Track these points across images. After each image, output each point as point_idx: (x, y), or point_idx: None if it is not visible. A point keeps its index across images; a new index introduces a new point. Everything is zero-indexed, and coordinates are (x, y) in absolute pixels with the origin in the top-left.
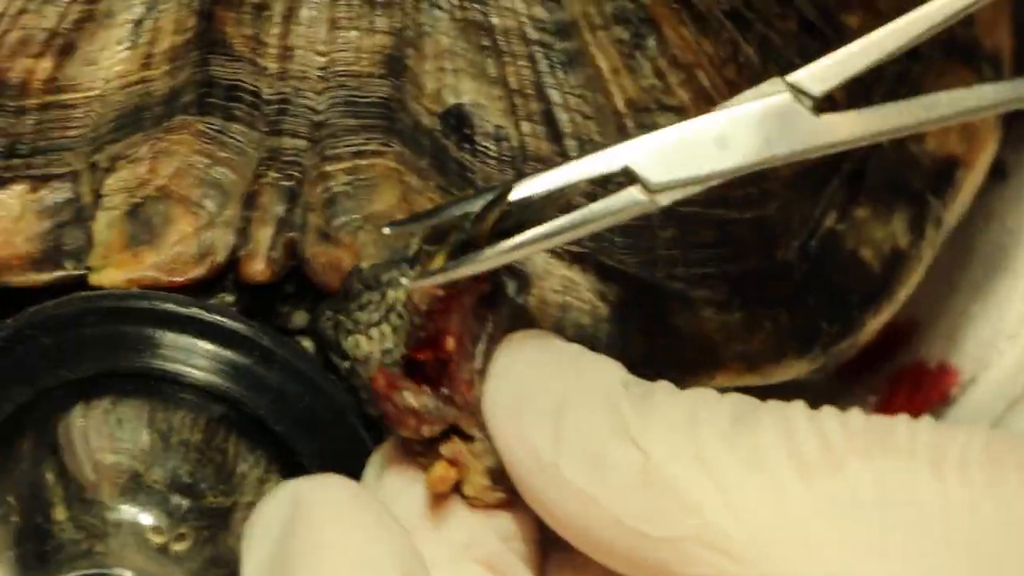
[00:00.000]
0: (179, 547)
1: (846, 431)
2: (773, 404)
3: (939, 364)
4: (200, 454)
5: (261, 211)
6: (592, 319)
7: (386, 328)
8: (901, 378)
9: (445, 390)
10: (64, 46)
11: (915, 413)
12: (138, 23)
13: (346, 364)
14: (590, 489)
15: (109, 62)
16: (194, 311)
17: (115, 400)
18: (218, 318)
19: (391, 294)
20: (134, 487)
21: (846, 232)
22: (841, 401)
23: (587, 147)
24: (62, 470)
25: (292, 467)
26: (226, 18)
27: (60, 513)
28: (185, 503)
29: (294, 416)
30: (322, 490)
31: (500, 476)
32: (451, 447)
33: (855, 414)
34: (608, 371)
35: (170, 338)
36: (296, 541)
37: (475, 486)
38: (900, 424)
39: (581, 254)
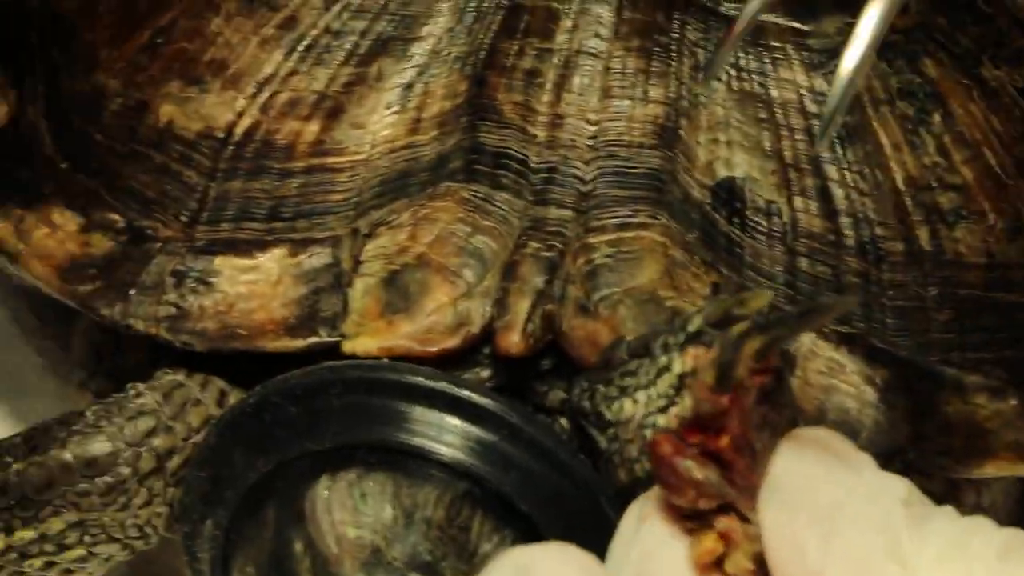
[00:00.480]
0: None
1: None
2: None
3: None
4: (442, 532)
5: (520, 282)
6: (857, 403)
7: (653, 393)
8: None
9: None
10: (332, 109)
11: None
12: (408, 87)
13: (606, 433)
14: None
15: (377, 126)
16: (443, 385)
17: (360, 474)
18: (467, 393)
19: (666, 359)
20: (374, 562)
21: None
22: None
23: (862, 226)
24: (309, 542)
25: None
26: (498, 84)
27: None
28: None
29: (540, 495)
30: (550, 560)
31: (763, 566)
32: (726, 522)
33: None
34: (890, 487)
35: (418, 412)
36: None
37: (738, 566)
38: None
39: (850, 335)
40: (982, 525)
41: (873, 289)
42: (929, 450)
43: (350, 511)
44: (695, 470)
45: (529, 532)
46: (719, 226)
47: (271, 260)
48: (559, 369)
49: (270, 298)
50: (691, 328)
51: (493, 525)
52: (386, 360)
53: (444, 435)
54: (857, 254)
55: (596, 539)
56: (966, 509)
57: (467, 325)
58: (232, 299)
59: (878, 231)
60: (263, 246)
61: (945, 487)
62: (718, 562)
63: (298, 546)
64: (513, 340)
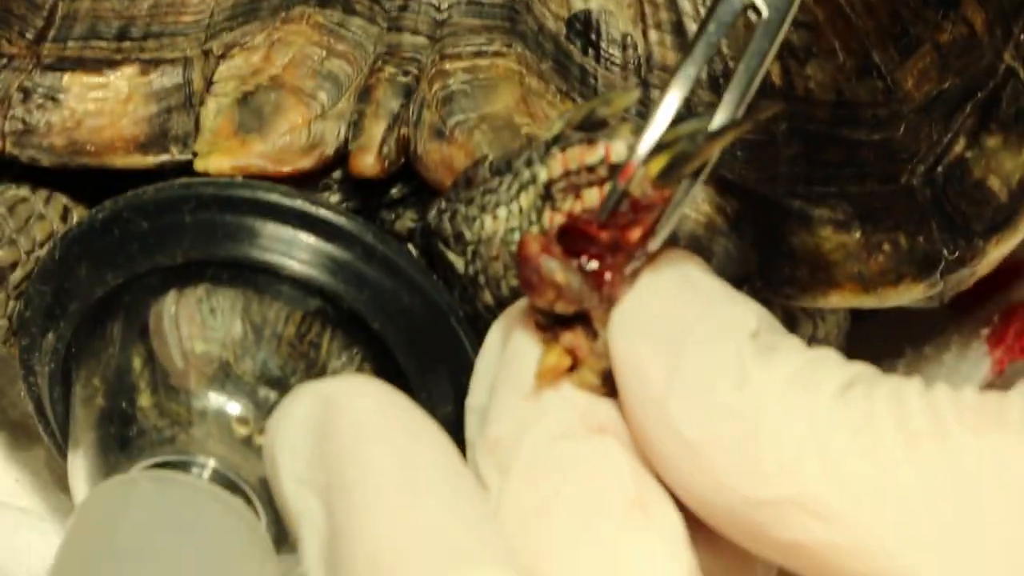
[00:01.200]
0: (262, 441)
1: (957, 405)
2: (891, 378)
3: None
4: (292, 348)
5: (375, 105)
6: (707, 231)
7: (515, 207)
8: (1014, 311)
9: (592, 272)
10: None
11: None
12: None
13: (466, 254)
14: (692, 434)
15: None
16: (297, 203)
17: (209, 289)
18: (321, 211)
19: (529, 173)
20: (222, 376)
21: (975, 160)
22: (952, 332)
23: (715, 60)
24: (150, 356)
25: (387, 367)
26: None
27: (145, 399)
28: (273, 395)
29: (392, 313)
30: (354, 391)
31: (611, 384)
32: (571, 337)
33: (968, 391)
34: (740, 316)
35: (271, 228)
36: (336, 443)
37: (585, 382)
38: (1014, 399)
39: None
40: (828, 358)
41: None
42: (775, 279)
43: (198, 325)
44: (558, 272)
45: (379, 352)
46: (574, 57)
47: (121, 78)
48: (409, 197)
49: (120, 115)
50: (551, 134)
51: (343, 343)
52: (240, 178)
53: (296, 251)
54: (710, 87)
55: (447, 359)
56: (802, 340)
57: (321, 146)
58: (80, 116)
59: (731, 65)
60: (112, 64)
61: (784, 317)
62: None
63: (138, 361)
64: (367, 161)
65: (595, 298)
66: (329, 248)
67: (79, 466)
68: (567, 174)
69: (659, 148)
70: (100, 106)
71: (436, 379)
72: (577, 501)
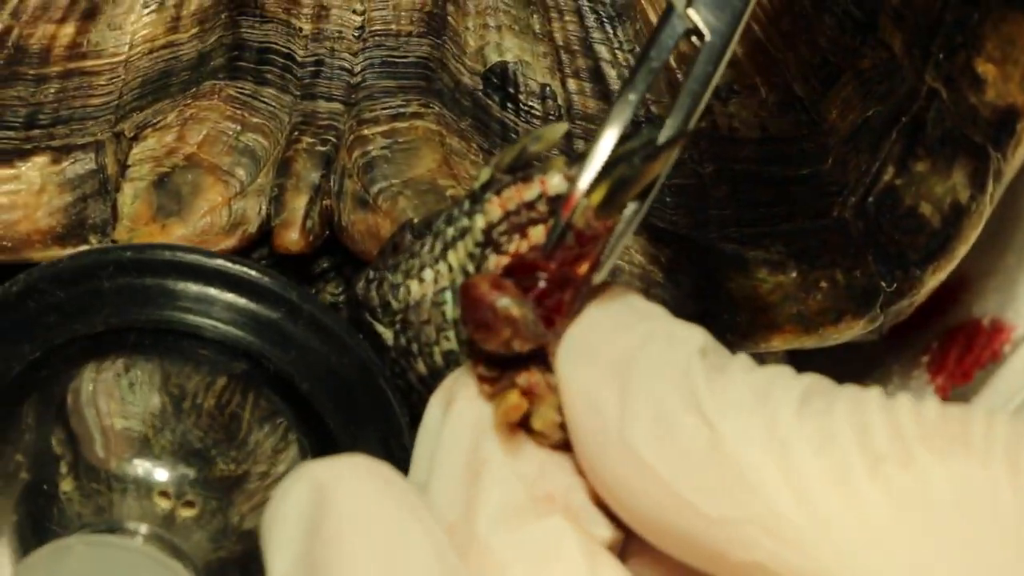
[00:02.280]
0: (186, 514)
1: (920, 423)
2: (849, 389)
3: (992, 321)
4: (212, 419)
5: (296, 178)
6: (644, 283)
7: (442, 267)
8: (953, 336)
9: (544, 308)
10: (88, 10)
11: (967, 371)
12: None
13: (394, 325)
14: (650, 456)
15: (135, 26)
16: (219, 263)
17: (128, 361)
18: (243, 270)
19: (456, 227)
20: (143, 452)
21: (905, 187)
22: (892, 363)
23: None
24: (69, 436)
25: (313, 434)
26: None
27: (67, 484)
28: (192, 471)
29: (319, 375)
30: (348, 479)
31: None
32: (527, 376)
33: (930, 404)
34: (688, 337)
35: (193, 290)
36: (324, 541)
37: (545, 420)
38: (976, 419)
39: None
40: (782, 372)
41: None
42: (715, 327)
43: (117, 401)
44: (513, 307)
45: (304, 418)
46: (492, 112)
47: (32, 169)
48: (331, 270)
49: (34, 208)
50: (480, 182)
51: (265, 412)
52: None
53: (220, 312)
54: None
55: (377, 421)
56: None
57: (243, 224)
58: None
59: (653, 109)
60: (23, 155)
61: None
62: (524, 422)
63: (56, 443)
64: (292, 237)
65: (549, 333)
66: (254, 307)
67: (3, 544)
68: (507, 216)
69: (599, 178)
70: (13, 199)
71: (366, 443)
72: None
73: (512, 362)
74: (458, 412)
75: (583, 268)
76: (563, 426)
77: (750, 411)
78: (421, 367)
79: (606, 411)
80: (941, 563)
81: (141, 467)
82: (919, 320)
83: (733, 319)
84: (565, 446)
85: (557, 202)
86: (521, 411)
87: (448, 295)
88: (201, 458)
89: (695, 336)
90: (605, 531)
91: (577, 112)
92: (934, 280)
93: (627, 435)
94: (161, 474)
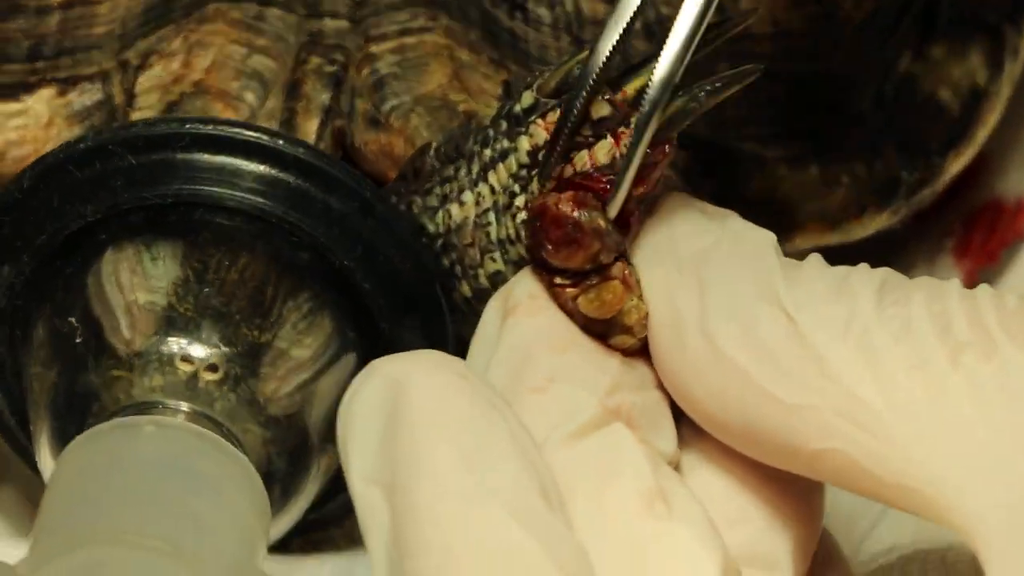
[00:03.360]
0: (209, 377)
1: (1001, 313)
2: (925, 279)
3: (1016, 199)
4: (235, 288)
5: (305, 100)
6: (662, 188)
7: (483, 189)
8: (977, 218)
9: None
10: None
11: (992, 252)
12: None
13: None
14: (729, 346)
15: None
16: (298, 151)
17: (148, 240)
18: (322, 162)
19: (495, 149)
20: (167, 325)
21: (922, 74)
22: (914, 249)
23: (647, 7)
24: (90, 320)
25: (360, 330)
26: None
27: (92, 366)
28: (214, 333)
29: (382, 274)
30: (423, 372)
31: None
32: (621, 267)
33: (1010, 295)
34: (761, 236)
35: (264, 174)
36: (403, 435)
37: (639, 312)
38: None
39: None
40: (857, 267)
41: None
42: None
43: (140, 276)
44: (600, 219)
45: (336, 298)
46: (501, 22)
47: (39, 102)
48: None
49: (43, 141)
50: (522, 105)
51: (291, 286)
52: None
53: (287, 199)
54: (644, 35)
55: (426, 328)
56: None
57: None
58: (2, 146)
59: (663, 11)
60: (28, 88)
61: None
62: (596, 329)
63: (81, 327)
64: None
65: (627, 240)
66: (327, 199)
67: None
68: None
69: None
70: (22, 134)
71: (414, 347)
72: (597, 498)
73: (586, 273)
74: (518, 323)
75: (641, 190)
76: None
77: (827, 301)
78: (466, 289)
79: (686, 305)
80: (1020, 454)
81: (165, 340)
82: (941, 203)
83: (755, 220)
84: (638, 354)
85: (602, 125)
86: (622, 301)
87: (492, 215)
88: (223, 320)
89: (768, 235)
90: (667, 445)
91: (587, 17)
92: (956, 167)
93: (707, 327)
94: (184, 340)
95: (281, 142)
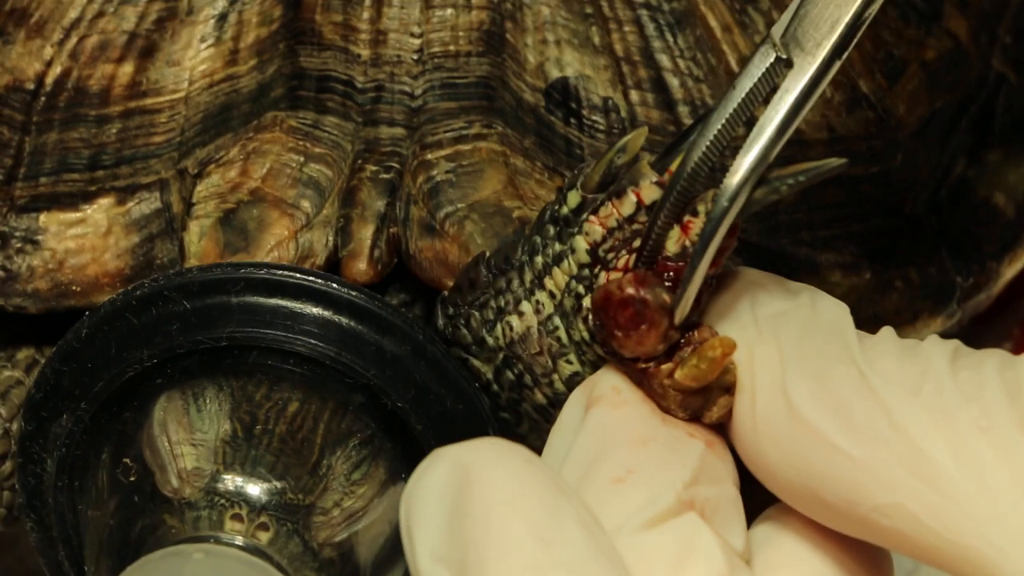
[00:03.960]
0: (263, 536)
1: None
2: (997, 351)
3: None
4: (283, 444)
5: (361, 207)
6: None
7: (542, 296)
8: None
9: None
10: (145, 48)
11: None
12: (222, 18)
13: (495, 361)
14: (802, 402)
15: (193, 61)
16: (351, 295)
17: (196, 388)
18: (374, 305)
19: (547, 255)
20: (213, 477)
21: (977, 178)
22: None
23: (700, 112)
24: (145, 469)
25: (399, 464)
26: (314, 5)
27: (147, 509)
28: (264, 496)
29: (435, 416)
30: (491, 457)
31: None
32: (707, 329)
33: None
34: (838, 305)
35: (319, 316)
36: (474, 516)
37: (733, 375)
38: None
39: None
40: (929, 338)
41: (718, 175)
42: None
43: (186, 428)
44: (665, 294)
45: (390, 444)
46: (556, 128)
47: (98, 211)
48: (408, 302)
49: (101, 250)
50: (570, 206)
51: (344, 431)
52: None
53: (341, 342)
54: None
55: None
56: None
57: (311, 257)
58: (61, 255)
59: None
60: (88, 197)
61: None
62: (687, 407)
63: (133, 476)
64: (360, 268)
65: (697, 315)
66: (381, 341)
67: (94, 545)
68: (609, 233)
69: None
70: (80, 243)
71: None
72: None
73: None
74: (601, 413)
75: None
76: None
77: (901, 361)
78: (539, 397)
79: (762, 362)
80: None
81: (213, 501)
82: (998, 307)
83: None
84: (717, 443)
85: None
86: (721, 365)
87: (558, 320)
88: (271, 485)
89: (843, 305)
90: (738, 541)
91: (640, 123)
92: (1011, 271)
93: (783, 383)
94: (233, 498)
95: (334, 285)
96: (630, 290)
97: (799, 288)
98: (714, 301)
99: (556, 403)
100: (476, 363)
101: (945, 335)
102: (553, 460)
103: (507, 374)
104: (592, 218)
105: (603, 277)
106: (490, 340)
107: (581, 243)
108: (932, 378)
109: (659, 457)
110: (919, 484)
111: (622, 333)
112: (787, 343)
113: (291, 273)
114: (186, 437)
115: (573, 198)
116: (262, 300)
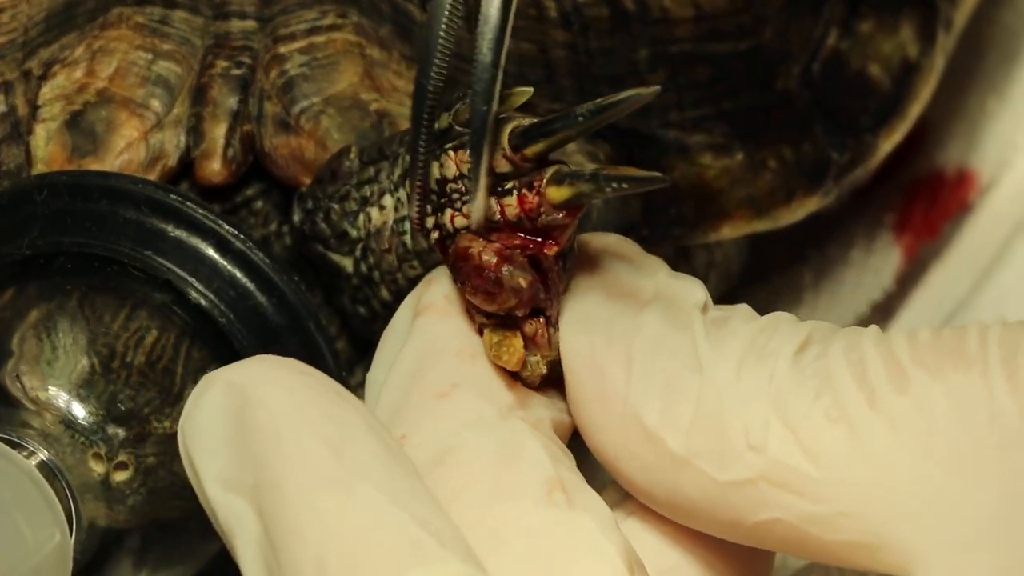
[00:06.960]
0: (119, 478)
1: (913, 346)
2: (845, 330)
3: (957, 169)
4: (144, 377)
5: (212, 105)
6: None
7: (403, 194)
8: (917, 190)
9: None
10: None
11: (934, 226)
12: None
13: (353, 253)
14: (655, 423)
15: None
16: (152, 192)
17: (49, 321)
18: (176, 200)
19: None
20: (69, 420)
21: (851, 49)
22: (854, 225)
23: None
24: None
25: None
26: None
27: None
28: (122, 432)
29: (242, 311)
30: (266, 373)
31: (555, 370)
32: (535, 325)
33: (923, 330)
34: (688, 294)
35: (124, 217)
36: (260, 432)
37: (534, 372)
38: (970, 332)
39: None
40: (780, 322)
41: (582, 60)
42: (661, 221)
43: (44, 366)
44: (521, 277)
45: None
46: (413, 16)
47: None
48: (262, 196)
49: None
50: (440, 126)
51: (200, 362)
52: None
53: (145, 240)
54: (561, 25)
55: (298, 345)
56: (699, 268)
57: (163, 158)
58: None
59: None
60: None
61: (676, 251)
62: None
63: None
64: (214, 168)
65: (550, 299)
66: (182, 237)
67: None
68: (460, 177)
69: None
70: None
71: None
72: (494, 487)
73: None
74: (429, 322)
75: (551, 250)
76: (549, 377)
77: (750, 366)
78: (385, 294)
79: (611, 378)
80: (956, 485)
81: (71, 433)
82: (878, 177)
83: (679, 211)
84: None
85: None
86: (520, 362)
87: (407, 225)
88: (133, 418)
89: (695, 292)
90: (570, 459)
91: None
92: (888, 144)
93: (633, 402)
94: (90, 440)
95: (140, 185)
96: (489, 259)
97: (653, 272)
98: (571, 296)
99: (400, 300)
100: (335, 257)
101: (824, 211)
102: (380, 367)
103: (361, 267)
104: (451, 154)
105: (448, 214)
106: (352, 231)
107: (435, 170)
108: (782, 381)
109: (485, 373)
110: (788, 496)
111: (468, 288)
112: (636, 359)
113: (95, 177)
114: (40, 384)
115: (443, 120)
116: (67, 205)
